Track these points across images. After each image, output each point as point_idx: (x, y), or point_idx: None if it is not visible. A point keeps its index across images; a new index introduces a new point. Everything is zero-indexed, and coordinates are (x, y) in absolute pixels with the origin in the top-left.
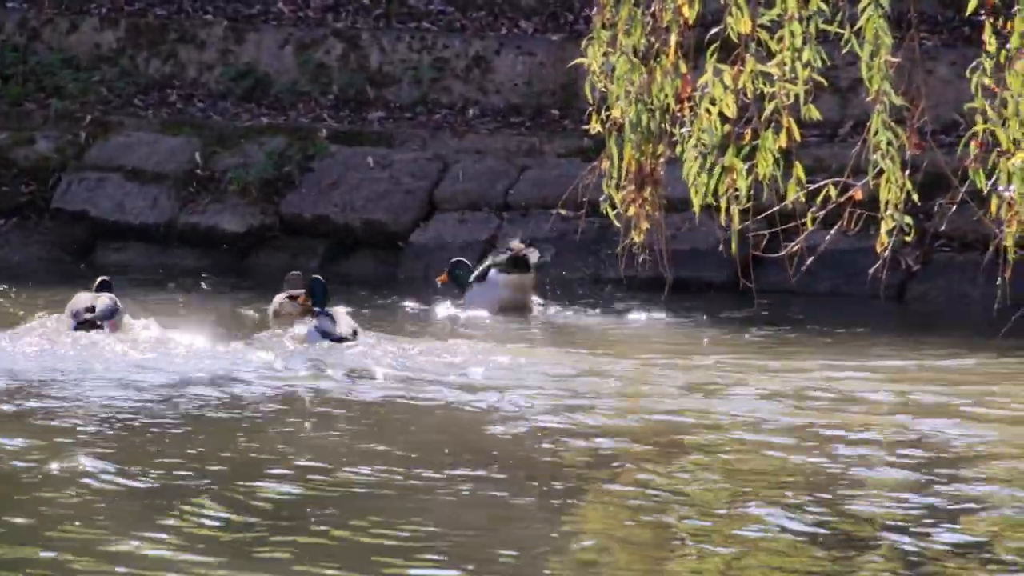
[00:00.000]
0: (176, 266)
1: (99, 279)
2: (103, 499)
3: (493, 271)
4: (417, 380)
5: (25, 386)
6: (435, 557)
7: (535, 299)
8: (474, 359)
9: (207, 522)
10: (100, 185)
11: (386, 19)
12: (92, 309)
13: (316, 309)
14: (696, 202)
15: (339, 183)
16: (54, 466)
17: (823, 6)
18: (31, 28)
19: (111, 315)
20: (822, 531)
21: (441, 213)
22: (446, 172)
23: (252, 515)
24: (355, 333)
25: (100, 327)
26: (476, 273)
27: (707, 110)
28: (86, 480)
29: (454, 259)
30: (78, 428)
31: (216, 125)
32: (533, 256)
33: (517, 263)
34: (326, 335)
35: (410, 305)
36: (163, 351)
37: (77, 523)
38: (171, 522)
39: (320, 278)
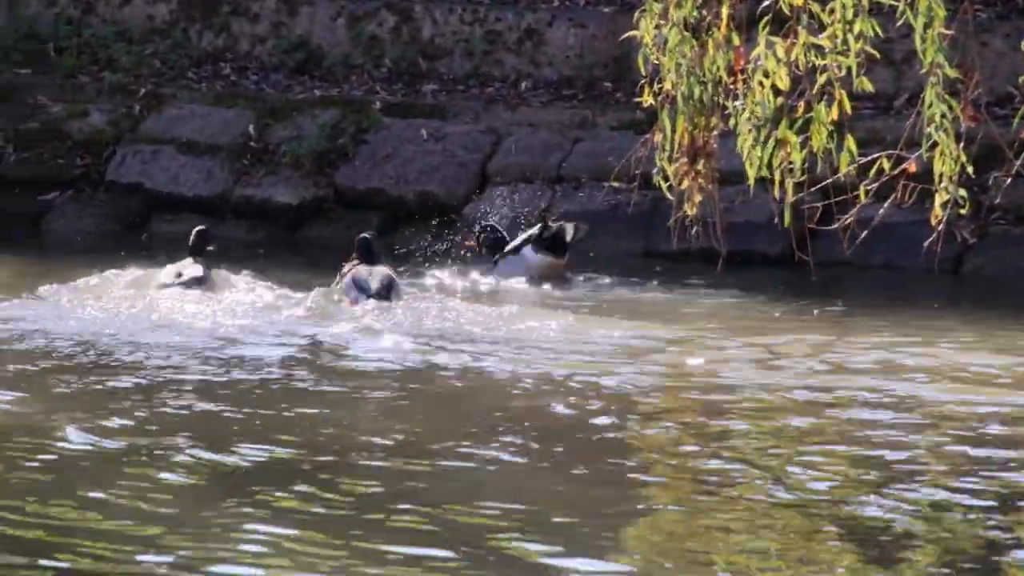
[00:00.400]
0: (230, 238)
1: (196, 229)
2: (184, 478)
3: (528, 248)
4: (478, 349)
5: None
6: (519, 532)
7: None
8: (534, 329)
9: (293, 500)
10: (154, 158)
11: None
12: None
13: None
14: (750, 175)
15: (393, 156)
16: (140, 445)
17: None
18: (85, 1)
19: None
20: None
21: (494, 186)
22: (499, 145)
23: (335, 493)
24: (388, 289)
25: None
26: (512, 246)
27: (760, 83)
28: (165, 460)
29: (484, 224)
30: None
31: (269, 98)
32: (568, 233)
33: (554, 245)
34: (361, 289)
35: (449, 273)
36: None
37: (167, 501)
38: (260, 499)
39: (367, 235)
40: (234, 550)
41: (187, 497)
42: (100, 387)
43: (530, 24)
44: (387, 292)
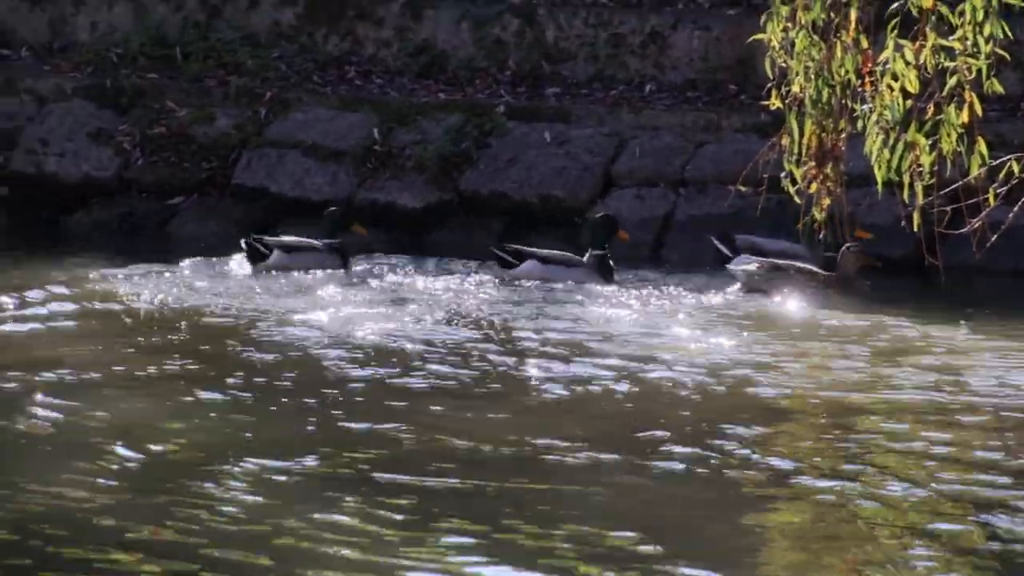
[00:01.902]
0: (354, 242)
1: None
2: (264, 479)
3: (578, 268)
4: (597, 355)
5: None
6: (627, 541)
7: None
8: (649, 334)
9: (385, 503)
10: (279, 162)
11: None
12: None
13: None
14: (879, 178)
15: (516, 159)
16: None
17: None
18: (211, 5)
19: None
20: None
21: (618, 189)
22: (623, 148)
23: (427, 497)
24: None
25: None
26: (557, 257)
27: (889, 86)
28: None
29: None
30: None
31: (394, 102)
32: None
33: (603, 264)
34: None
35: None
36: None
37: (235, 508)
38: (347, 504)
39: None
40: (334, 554)
41: (299, 495)
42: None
43: (654, 27)
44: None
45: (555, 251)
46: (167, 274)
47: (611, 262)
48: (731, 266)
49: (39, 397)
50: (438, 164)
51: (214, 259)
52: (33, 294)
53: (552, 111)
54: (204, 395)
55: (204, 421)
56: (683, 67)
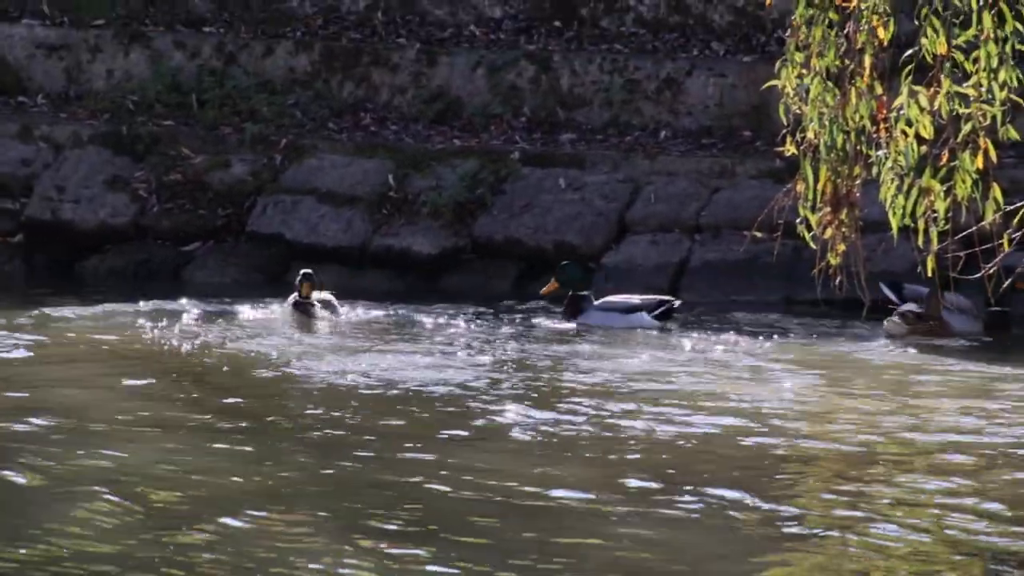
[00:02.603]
0: (369, 288)
1: (302, 271)
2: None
3: (644, 314)
4: (629, 397)
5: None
6: None
7: None
8: (697, 380)
9: (394, 552)
10: (295, 208)
11: (578, 41)
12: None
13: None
14: (894, 224)
15: (531, 205)
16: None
17: (1019, 26)
18: (227, 52)
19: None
20: None
21: (633, 235)
22: (638, 194)
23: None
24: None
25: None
26: (613, 302)
27: (903, 131)
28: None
29: (564, 262)
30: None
31: (409, 148)
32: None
33: (666, 315)
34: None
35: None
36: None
37: (240, 557)
38: (353, 552)
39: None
40: None
41: (306, 542)
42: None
43: (669, 73)
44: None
45: (612, 297)
46: (179, 320)
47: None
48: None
49: (43, 441)
50: (453, 210)
51: (226, 305)
52: (44, 339)
53: (567, 157)
54: (210, 440)
55: (210, 467)
56: (698, 113)
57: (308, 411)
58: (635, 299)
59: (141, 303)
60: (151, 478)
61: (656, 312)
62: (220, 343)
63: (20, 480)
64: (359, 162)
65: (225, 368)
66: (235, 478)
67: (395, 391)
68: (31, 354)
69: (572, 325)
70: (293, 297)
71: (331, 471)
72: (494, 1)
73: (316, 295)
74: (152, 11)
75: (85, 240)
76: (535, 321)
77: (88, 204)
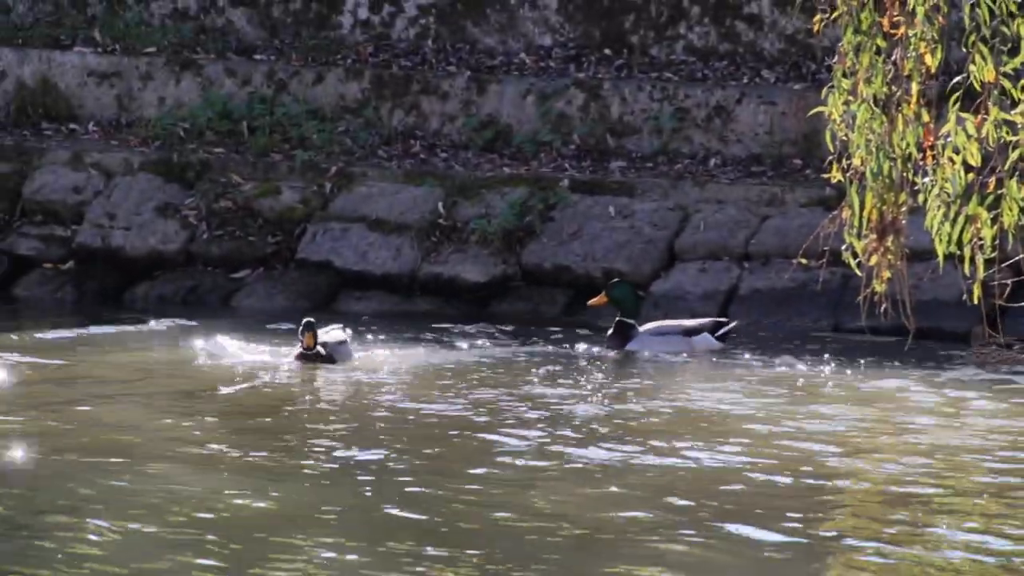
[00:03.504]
0: (418, 315)
1: (304, 320)
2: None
3: (708, 335)
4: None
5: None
6: None
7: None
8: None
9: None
10: (344, 235)
11: (628, 69)
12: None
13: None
14: (940, 251)
15: (580, 232)
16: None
17: None
18: (278, 80)
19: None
20: None
21: (682, 263)
22: (687, 222)
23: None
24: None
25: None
26: (670, 326)
27: (950, 159)
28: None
29: (617, 279)
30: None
31: (458, 175)
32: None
33: (725, 336)
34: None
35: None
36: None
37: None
38: None
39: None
40: None
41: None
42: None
43: (719, 101)
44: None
45: (662, 322)
46: (227, 347)
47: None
48: None
49: (80, 466)
50: (502, 237)
51: (271, 334)
52: (90, 365)
53: (616, 185)
54: (241, 467)
55: (261, 493)
56: (748, 141)
57: (347, 442)
58: (690, 322)
59: (188, 330)
60: (181, 501)
61: (719, 333)
62: (260, 370)
63: (61, 503)
64: (409, 189)
65: (261, 395)
66: (266, 504)
67: (439, 420)
68: (76, 379)
69: (619, 352)
70: (297, 348)
71: (367, 500)
72: (544, 29)
73: (327, 333)
74: (203, 39)
75: (135, 267)
76: (582, 348)
77: (138, 231)
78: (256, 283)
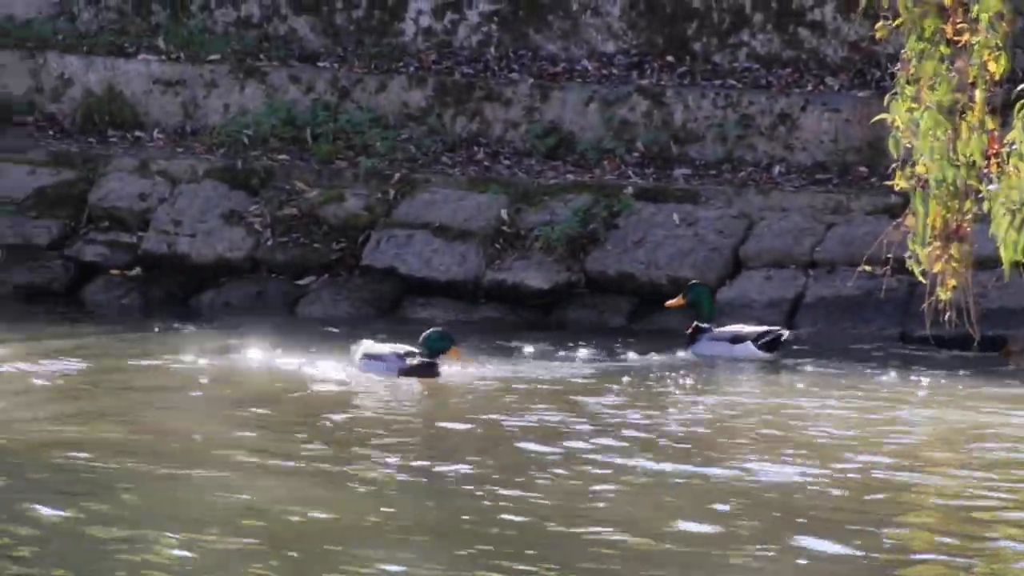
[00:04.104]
0: (481, 322)
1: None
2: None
3: (750, 344)
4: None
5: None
6: None
7: None
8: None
9: None
10: (408, 242)
11: (691, 76)
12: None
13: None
14: (1005, 259)
15: (644, 240)
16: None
17: None
18: (341, 87)
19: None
20: None
21: (747, 270)
22: (751, 229)
23: None
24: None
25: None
26: (723, 332)
27: (1015, 166)
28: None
29: (695, 282)
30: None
31: (522, 182)
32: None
33: (773, 345)
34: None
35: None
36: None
37: None
38: None
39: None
40: None
41: None
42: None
43: (783, 109)
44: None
45: (724, 327)
46: (294, 354)
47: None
48: None
49: (159, 474)
50: (566, 244)
51: (337, 340)
52: (161, 372)
53: (680, 192)
54: (317, 474)
55: (325, 502)
56: (812, 149)
57: (412, 451)
58: (742, 329)
59: (255, 337)
60: (245, 510)
61: (761, 342)
62: (327, 378)
63: (123, 513)
64: (472, 196)
65: (327, 403)
66: (331, 514)
67: (505, 429)
68: (140, 386)
69: (686, 355)
70: (408, 360)
71: (432, 510)
72: (607, 36)
73: (391, 349)
74: (267, 46)
75: (201, 273)
76: (646, 356)
77: (204, 238)
78: (321, 290)
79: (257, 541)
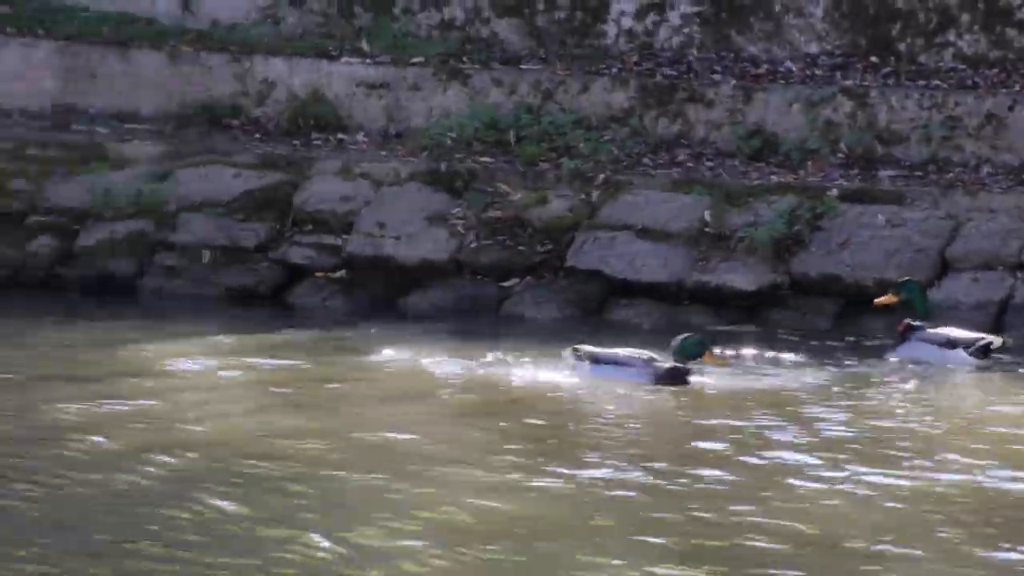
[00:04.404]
0: (686, 324)
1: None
2: None
3: (961, 351)
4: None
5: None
6: None
7: None
8: None
9: None
10: (612, 244)
11: (895, 76)
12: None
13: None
14: None
15: (849, 242)
16: None
17: None
18: (544, 90)
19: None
20: None
21: (953, 272)
22: (958, 231)
23: None
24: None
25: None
26: (935, 334)
27: None
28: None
29: (907, 278)
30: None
31: (725, 184)
32: (996, 343)
33: (985, 351)
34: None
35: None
36: None
37: None
38: None
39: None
40: None
41: None
42: None
43: (990, 109)
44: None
45: (935, 329)
46: (500, 358)
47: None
48: None
49: (375, 480)
50: (770, 246)
51: (545, 342)
52: (372, 375)
53: (885, 193)
54: (528, 474)
55: (560, 509)
56: (1020, 149)
57: (622, 455)
58: (954, 333)
59: (462, 338)
60: (465, 512)
61: (972, 349)
62: (546, 382)
63: (366, 528)
64: (676, 198)
65: (543, 404)
66: (550, 516)
67: (733, 438)
68: (353, 390)
69: (894, 358)
70: (661, 364)
71: (641, 517)
72: (810, 37)
73: (631, 353)
74: (469, 49)
75: (406, 275)
76: (856, 360)
77: (409, 240)
78: (525, 292)
79: (478, 547)
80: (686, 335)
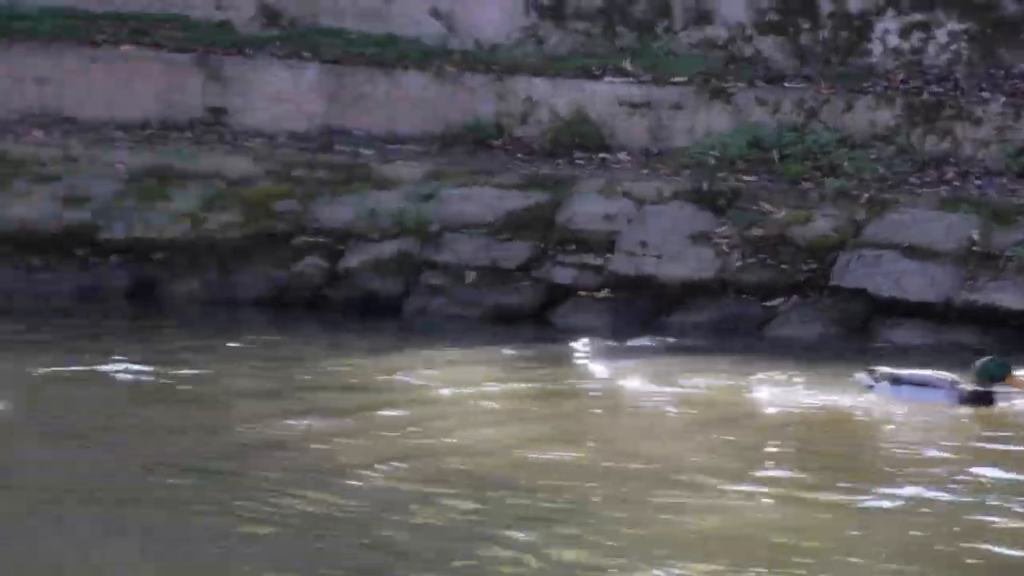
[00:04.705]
0: (955, 344)
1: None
2: None
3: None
4: None
5: None
6: None
7: None
8: None
9: None
10: (877, 262)
11: None
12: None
13: None
14: None
15: None
16: None
17: None
18: (808, 108)
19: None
20: None
21: None
22: None
23: None
24: None
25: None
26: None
27: None
28: None
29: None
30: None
31: (993, 202)
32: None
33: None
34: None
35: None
36: None
37: None
38: None
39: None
40: None
41: None
42: None
43: None
44: None
45: None
46: (778, 377)
47: None
48: None
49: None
50: None
51: (816, 362)
52: (635, 392)
53: None
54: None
55: (814, 528)
56: None
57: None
58: None
59: (729, 357)
60: (720, 533)
61: None
62: (837, 404)
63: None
64: (943, 216)
65: (841, 426)
66: (825, 540)
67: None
68: (623, 407)
69: None
70: (955, 386)
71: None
72: None
73: (935, 376)
74: (732, 68)
75: (668, 294)
76: None
77: (671, 259)
78: (791, 311)
79: (727, 566)
80: (989, 357)
